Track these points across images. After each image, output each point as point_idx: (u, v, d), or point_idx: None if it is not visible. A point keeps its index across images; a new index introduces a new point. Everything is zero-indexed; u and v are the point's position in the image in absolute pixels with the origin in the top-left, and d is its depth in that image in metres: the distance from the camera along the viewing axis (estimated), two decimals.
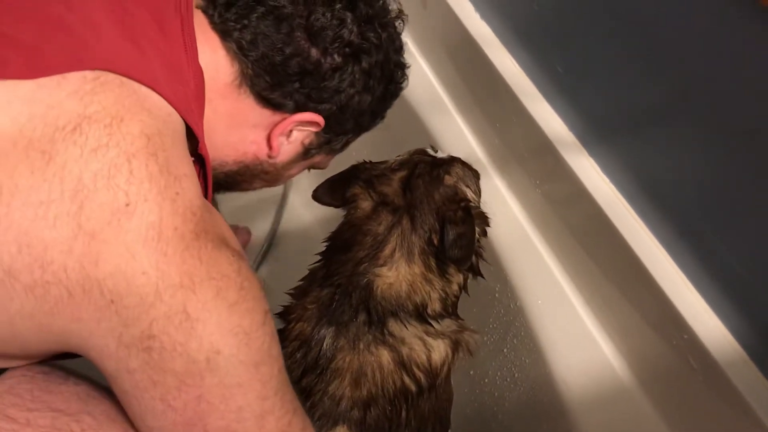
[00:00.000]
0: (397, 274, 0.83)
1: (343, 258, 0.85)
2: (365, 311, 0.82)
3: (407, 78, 0.85)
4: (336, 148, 0.85)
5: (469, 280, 0.90)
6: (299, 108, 0.76)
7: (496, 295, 1.06)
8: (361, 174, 0.91)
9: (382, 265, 0.83)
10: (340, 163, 0.95)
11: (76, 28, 0.63)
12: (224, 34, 0.72)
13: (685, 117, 0.82)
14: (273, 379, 0.63)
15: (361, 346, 0.81)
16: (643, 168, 0.90)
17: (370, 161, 0.94)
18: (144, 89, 0.62)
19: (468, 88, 1.21)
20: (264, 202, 1.48)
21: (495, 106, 1.13)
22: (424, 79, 1.29)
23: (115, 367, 0.59)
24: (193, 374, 0.58)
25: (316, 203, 0.94)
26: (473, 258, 0.86)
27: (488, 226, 0.92)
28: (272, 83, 0.73)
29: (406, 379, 0.82)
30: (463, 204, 0.86)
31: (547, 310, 1.00)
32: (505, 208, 1.11)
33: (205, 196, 0.72)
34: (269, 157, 0.80)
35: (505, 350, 1.06)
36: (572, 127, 1.01)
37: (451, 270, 0.86)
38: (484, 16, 1.16)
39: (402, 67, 0.83)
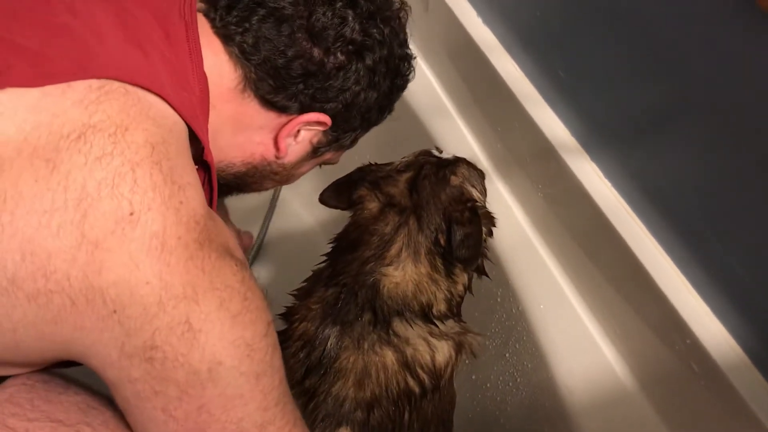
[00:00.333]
0: (404, 273, 0.84)
1: (349, 258, 0.85)
2: (371, 310, 0.82)
3: (414, 69, 0.84)
4: (345, 144, 0.85)
5: (473, 280, 0.90)
6: (305, 109, 0.75)
7: (498, 299, 1.06)
8: (367, 176, 0.91)
9: (388, 265, 0.83)
10: (345, 167, 0.95)
11: (81, 34, 0.63)
12: (226, 38, 0.71)
13: (686, 121, 0.83)
14: (274, 390, 0.63)
15: (366, 345, 0.81)
16: (644, 172, 0.91)
17: (376, 163, 0.94)
18: (149, 96, 0.62)
19: (470, 92, 1.21)
20: (257, 202, 1.47)
21: (497, 110, 1.13)
22: (426, 84, 1.29)
23: (117, 376, 0.59)
24: (195, 385, 0.58)
25: (315, 204, 0.94)
26: (479, 258, 0.87)
27: (494, 226, 0.92)
28: (276, 86, 0.73)
29: (410, 381, 0.82)
30: (469, 204, 0.86)
31: (549, 315, 1.00)
32: (507, 212, 1.10)
33: (210, 202, 0.73)
34: (277, 158, 0.80)
35: (507, 355, 1.06)
36: (574, 131, 1.01)
37: (457, 270, 0.86)
38: (486, 21, 1.16)
39: (407, 59, 0.82)
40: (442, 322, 0.85)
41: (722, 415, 0.80)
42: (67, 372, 0.69)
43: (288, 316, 0.87)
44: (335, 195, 0.93)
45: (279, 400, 0.63)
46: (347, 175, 0.94)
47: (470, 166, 0.94)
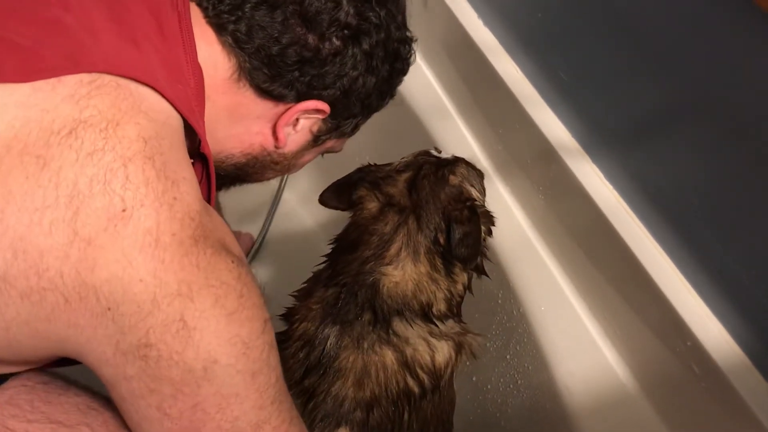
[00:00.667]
0: (404, 273, 0.84)
1: (348, 258, 0.85)
2: (371, 310, 0.82)
3: (414, 52, 0.81)
4: (346, 131, 0.82)
5: (473, 279, 0.90)
6: (302, 97, 0.73)
7: (499, 301, 1.06)
8: (366, 176, 0.91)
9: (388, 264, 0.83)
10: (345, 167, 0.95)
11: (73, 29, 0.62)
12: (219, 27, 0.70)
13: (687, 122, 0.83)
14: (270, 389, 0.62)
15: (366, 345, 0.81)
16: (645, 174, 0.90)
17: (375, 164, 0.94)
18: (142, 89, 0.61)
19: (471, 94, 1.21)
20: (257, 201, 1.47)
21: (498, 112, 1.13)
22: (427, 85, 1.29)
23: (113, 374, 0.59)
24: (190, 383, 0.58)
25: (315, 204, 0.94)
26: (479, 257, 0.86)
27: (493, 225, 0.92)
28: (271, 75, 0.71)
29: (410, 381, 0.82)
30: (468, 203, 0.86)
31: (550, 317, 1.00)
32: (508, 214, 1.10)
33: (209, 196, 0.72)
34: (276, 147, 0.78)
35: (508, 356, 1.05)
36: (575, 133, 1.01)
37: (457, 269, 0.86)
38: (486, 23, 1.16)
39: (407, 41, 0.79)
40: (442, 322, 0.85)
41: (723, 416, 0.80)
42: (67, 373, 0.69)
43: (288, 316, 0.87)
44: (335, 195, 0.93)
45: (275, 399, 0.63)
46: (347, 176, 0.94)
47: (469, 165, 0.94)
